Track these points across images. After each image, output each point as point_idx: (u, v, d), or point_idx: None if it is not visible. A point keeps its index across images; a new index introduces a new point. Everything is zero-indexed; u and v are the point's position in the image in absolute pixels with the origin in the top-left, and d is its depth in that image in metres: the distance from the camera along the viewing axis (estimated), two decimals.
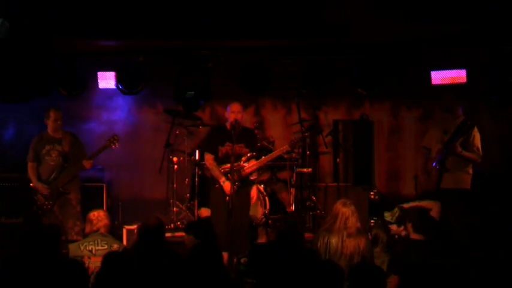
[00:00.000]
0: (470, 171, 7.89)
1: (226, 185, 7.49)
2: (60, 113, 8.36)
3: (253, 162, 7.72)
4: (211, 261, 5.02)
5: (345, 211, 6.65)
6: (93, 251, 6.32)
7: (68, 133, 8.44)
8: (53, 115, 8.29)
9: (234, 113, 7.58)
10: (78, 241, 6.55)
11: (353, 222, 6.60)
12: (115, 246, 6.34)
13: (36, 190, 8.18)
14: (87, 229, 6.61)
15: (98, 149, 8.28)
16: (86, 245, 6.34)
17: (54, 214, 8.12)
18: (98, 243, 6.36)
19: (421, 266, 5.31)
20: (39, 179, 8.23)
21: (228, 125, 7.64)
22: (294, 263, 5.40)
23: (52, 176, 8.21)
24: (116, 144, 8.32)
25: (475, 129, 7.86)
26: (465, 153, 7.76)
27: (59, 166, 8.25)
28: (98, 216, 6.58)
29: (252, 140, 7.86)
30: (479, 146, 7.82)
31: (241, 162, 7.64)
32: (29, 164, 8.32)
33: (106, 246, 6.31)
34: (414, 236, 6.33)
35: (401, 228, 6.73)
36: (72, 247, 6.37)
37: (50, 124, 8.32)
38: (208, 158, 7.75)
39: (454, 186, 7.82)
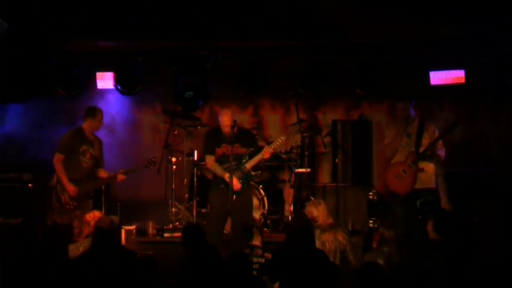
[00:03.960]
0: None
1: (235, 181, 7.47)
2: None
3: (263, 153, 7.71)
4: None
5: (312, 210, 6.75)
6: None
7: (97, 137, 8.13)
8: (100, 115, 8.02)
9: (225, 124, 7.63)
10: (78, 242, 6.56)
11: (321, 217, 6.69)
12: None
13: (62, 188, 7.80)
14: (86, 231, 6.61)
15: (134, 167, 8.23)
16: (84, 246, 6.35)
17: (70, 216, 7.76)
18: None
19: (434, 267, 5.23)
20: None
21: (222, 128, 7.68)
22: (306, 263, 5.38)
23: (83, 179, 7.90)
24: (151, 167, 8.34)
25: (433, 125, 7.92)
26: (440, 152, 7.77)
27: (90, 169, 7.98)
28: (94, 217, 6.58)
29: (248, 139, 7.88)
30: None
31: (243, 161, 7.66)
32: (60, 157, 7.80)
33: None
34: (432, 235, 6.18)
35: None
36: (71, 248, 6.40)
37: (94, 124, 7.98)
38: (209, 160, 7.78)
39: (424, 186, 7.80)
